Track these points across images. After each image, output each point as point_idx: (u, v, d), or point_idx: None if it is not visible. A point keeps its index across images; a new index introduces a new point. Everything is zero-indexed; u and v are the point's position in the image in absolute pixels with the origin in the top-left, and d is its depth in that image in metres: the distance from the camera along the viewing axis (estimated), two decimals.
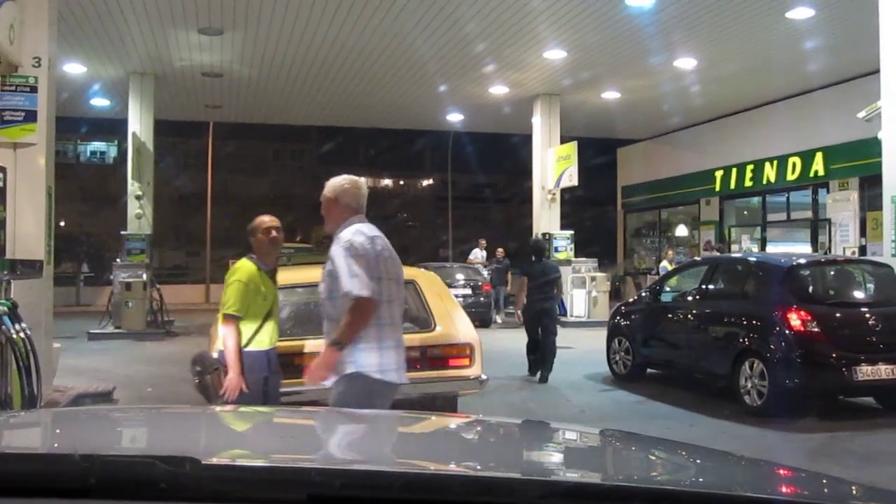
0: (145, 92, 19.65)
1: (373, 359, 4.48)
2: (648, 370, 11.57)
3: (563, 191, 21.92)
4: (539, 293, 11.86)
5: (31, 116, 9.18)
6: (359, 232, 4.57)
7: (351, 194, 4.72)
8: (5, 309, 6.68)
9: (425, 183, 40.72)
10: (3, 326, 6.57)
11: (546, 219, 21.90)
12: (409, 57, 17.85)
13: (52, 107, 9.64)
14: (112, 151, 40.03)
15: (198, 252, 25.29)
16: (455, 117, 24.97)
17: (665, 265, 19.43)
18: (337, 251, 4.50)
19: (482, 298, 19.88)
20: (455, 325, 7.57)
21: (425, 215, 35.55)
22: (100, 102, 22.09)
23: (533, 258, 12.56)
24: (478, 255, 23.24)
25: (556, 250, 20.84)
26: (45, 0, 9.62)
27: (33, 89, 9.24)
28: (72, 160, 39.69)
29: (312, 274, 8.79)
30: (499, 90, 21.03)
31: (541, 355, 11.78)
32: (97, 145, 40.59)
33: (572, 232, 21.70)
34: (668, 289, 11.87)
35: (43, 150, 9.34)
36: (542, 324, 11.81)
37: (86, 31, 15.75)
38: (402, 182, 41.77)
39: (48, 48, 9.55)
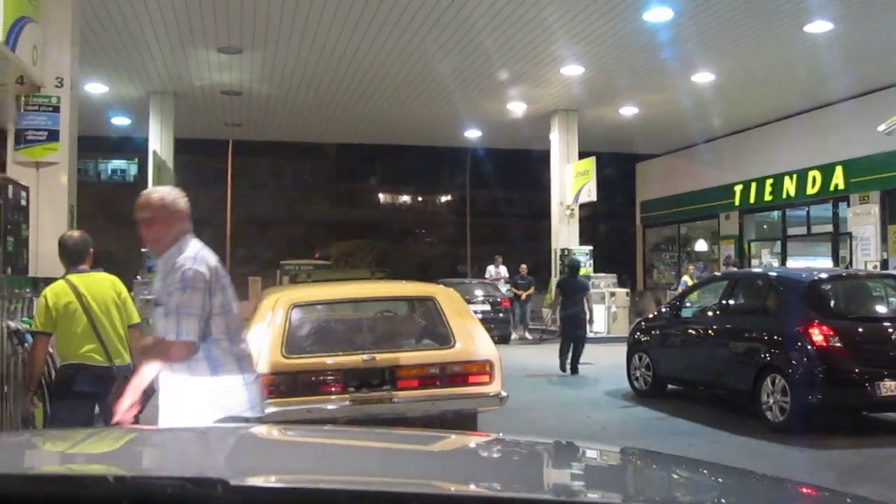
0: (165, 110, 19.83)
1: (242, 396, 4.13)
2: (669, 386, 11.51)
3: (582, 206, 21.89)
4: (572, 304, 14.04)
5: (53, 136, 9.28)
6: (202, 259, 4.07)
7: (185, 206, 4.15)
8: (27, 326, 6.73)
9: (444, 199, 40.82)
10: (26, 343, 6.62)
11: (565, 234, 21.88)
12: (428, 74, 17.92)
13: (74, 126, 9.74)
14: (133, 169, 40.34)
15: None
16: (473, 133, 25.01)
17: (686, 280, 19.35)
18: (175, 281, 4.01)
19: (501, 314, 19.85)
20: (475, 341, 7.56)
21: (444, 231, 35.60)
22: (121, 121, 22.29)
23: (567, 273, 14.93)
24: (492, 271, 23.18)
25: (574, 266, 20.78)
26: (67, 21, 9.74)
27: (56, 109, 9.35)
28: (93, 178, 39.97)
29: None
30: (517, 106, 21.07)
31: (573, 353, 13.94)
32: (118, 164, 40.90)
33: (591, 248, 21.64)
34: (688, 304, 11.81)
35: (65, 168, 9.44)
36: (575, 330, 13.99)
37: (107, 51, 15.91)
38: (420, 198, 41.86)
39: (70, 68, 9.66)
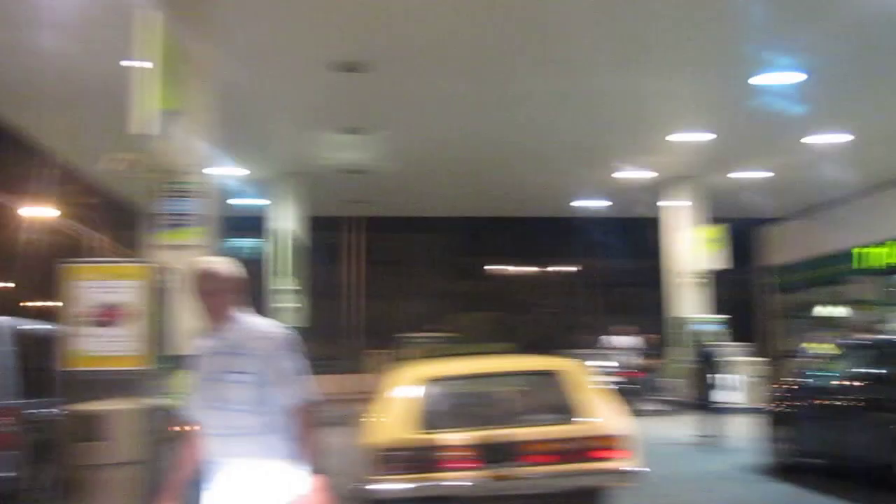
0: (293, 190, 20.63)
1: (307, 481, 3.81)
2: (807, 459, 11.03)
3: (698, 272, 21.53)
4: (704, 374, 14.45)
5: (194, 220, 9.75)
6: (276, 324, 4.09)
7: (244, 277, 4.03)
8: (171, 403, 7.02)
9: (561, 269, 40.84)
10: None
11: (689, 302, 21.47)
12: (546, 146, 18.07)
13: (212, 209, 10.23)
14: (262, 248, 41.91)
15: (340, 342, 26.05)
16: (590, 203, 24.98)
17: (811, 347, 18.64)
18: (278, 347, 3.89)
19: (626, 385, 19.44)
20: (604, 415, 7.45)
21: (562, 301, 35.48)
22: (250, 201, 23.19)
23: (699, 344, 15.60)
24: (613, 341, 22.71)
25: (704, 335, 20.38)
26: (205, 109, 10.31)
27: (196, 194, 9.85)
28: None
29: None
30: (636, 174, 20.97)
31: (709, 423, 13.97)
32: (247, 243, 42.43)
33: (722, 316, 21.13)
34: (826, 372, 11.36)
35: (205, 251, 9.87)
36: (710, 400, 14.19)
37: (238, 136, 16.65)
38: (537, 269, 41.92)
39: (208, 154, 10.20)
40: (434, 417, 7.53)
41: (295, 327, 19.41)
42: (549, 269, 38.90)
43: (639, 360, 21.14)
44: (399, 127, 16.59)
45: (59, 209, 22.65)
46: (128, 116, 8.57)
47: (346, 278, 26.74)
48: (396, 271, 30.13)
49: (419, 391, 7.48)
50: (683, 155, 19.10)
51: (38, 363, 8.73)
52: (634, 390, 19.91)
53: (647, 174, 20.94)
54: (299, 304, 19.88)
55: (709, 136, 17.56)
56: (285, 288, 20.00)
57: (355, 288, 26.71)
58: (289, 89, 14.33)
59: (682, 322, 21.37)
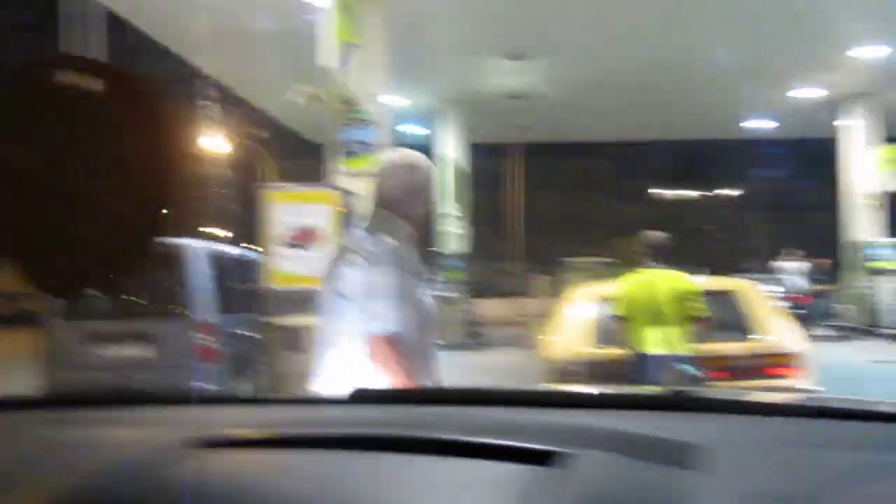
0: (455, 118, 20.91)
1: None
2: None
3: (879, 194, 20.65)
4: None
5: (371, 148, 10.20)
6: None
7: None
8: None
9: (723, 192, 39.80)
10: None
11: (863, 225, 20.64)
12: (709, 66, 17.54)
13: (386, 137, 10.66)
14: None
15: (502, 267, 26.54)
16: (757, 124, 24.17)
17: None
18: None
19: (797, 309, 18.99)
20: (782, 334, 7.45)
21: (725, 225, 34.73)
22: (414, 129, 23.63)
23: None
24: (785, 266, 22.09)
25: (873, 259, 19.70)
26: (379, 43, 10.70)
27: (372, 123, 10.28)
28: None
29: None
30: (806, 93, 20.13)
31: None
32: None
33: None
34: None
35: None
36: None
37: (401, 65, 16.99)
38: (698, 193, 40.99)
39: (381, 84, 10.62)
40: (612, 335, 7.70)
41: (459, 253, 19.95)
42: (716, 192, 38.09)
43: (808, 285, 20.56)
44: (558, 53, 16.54)
45: (235, 142, 23.72)
46: (307, 52, 9.01)
47: (507, 204, 27.04)
48: (557, 197, 30.20)
49: (596, 310, 7.66)
50: (860, 71, 18.19)
51: (230, 283, 9.47)
52: (803, 315, 19.45)
53: (820, 92, 20.05)
54: (462, 231, 20.36)
55: (883, 50, 16.67)
56: (448, 214, 20.48)
57: (516, 214, 26.99)
58: (456, 12, 14.48)
59: (856, 246, 20.61)
